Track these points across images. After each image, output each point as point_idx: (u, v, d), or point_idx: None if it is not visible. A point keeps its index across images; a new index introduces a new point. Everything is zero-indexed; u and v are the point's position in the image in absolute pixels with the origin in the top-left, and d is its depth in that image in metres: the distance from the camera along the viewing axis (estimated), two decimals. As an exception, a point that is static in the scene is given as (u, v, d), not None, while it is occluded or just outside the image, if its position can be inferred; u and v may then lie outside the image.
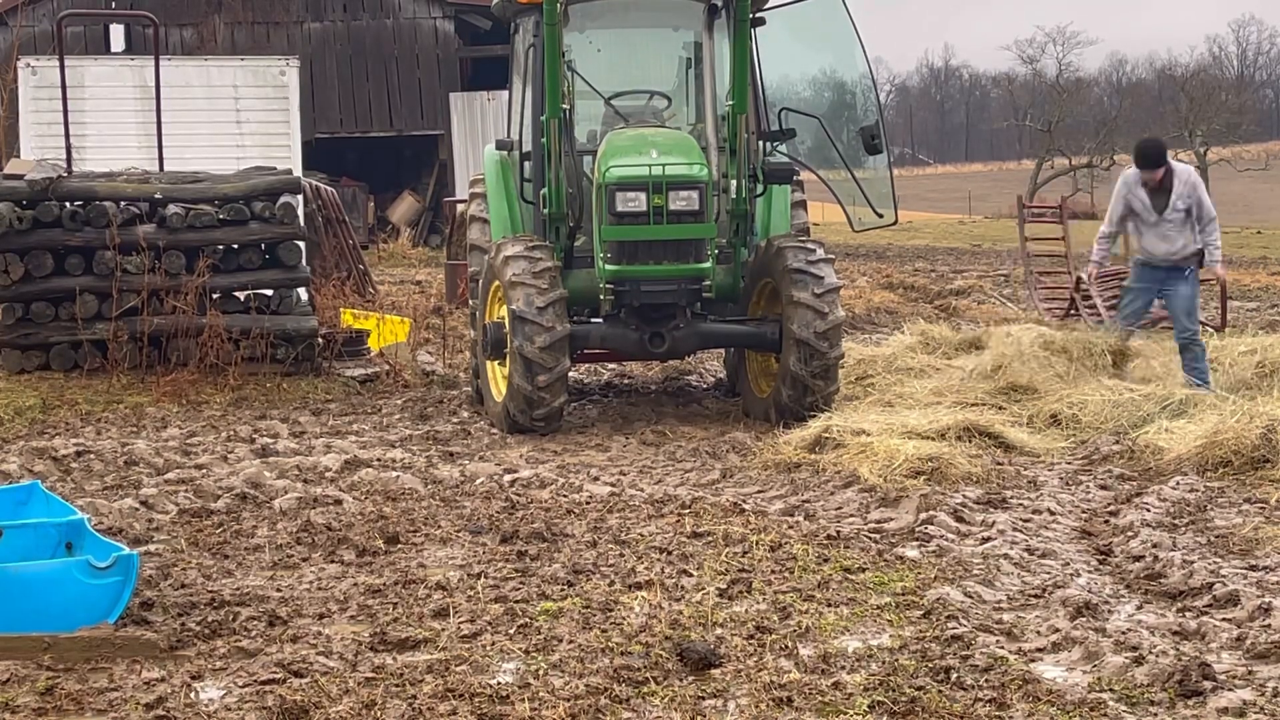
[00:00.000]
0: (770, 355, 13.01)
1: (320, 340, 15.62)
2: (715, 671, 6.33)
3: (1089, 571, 8.11)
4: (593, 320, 13.04)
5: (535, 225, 13.36)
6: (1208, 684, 6.02)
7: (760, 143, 13.30)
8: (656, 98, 13.76)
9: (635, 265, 12.35)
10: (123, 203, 15.02)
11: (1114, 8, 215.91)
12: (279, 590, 7.69)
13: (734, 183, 12.67)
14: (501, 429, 12.55)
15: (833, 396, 12.56)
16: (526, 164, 13.52)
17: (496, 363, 12.97)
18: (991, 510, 9.46)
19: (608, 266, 12.38)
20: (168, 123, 17.97)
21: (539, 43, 12.86)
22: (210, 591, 7.60)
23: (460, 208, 27.40)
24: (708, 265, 12.44)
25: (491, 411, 12.98)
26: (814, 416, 11.84)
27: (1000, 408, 12.54)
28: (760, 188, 13.20)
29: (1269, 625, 6.84)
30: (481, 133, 42.08)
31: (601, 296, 12.53)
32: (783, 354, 12.45)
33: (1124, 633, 6.74)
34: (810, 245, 12.62)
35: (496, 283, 12.77)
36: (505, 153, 13.94)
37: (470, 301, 14.06)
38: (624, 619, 7.06)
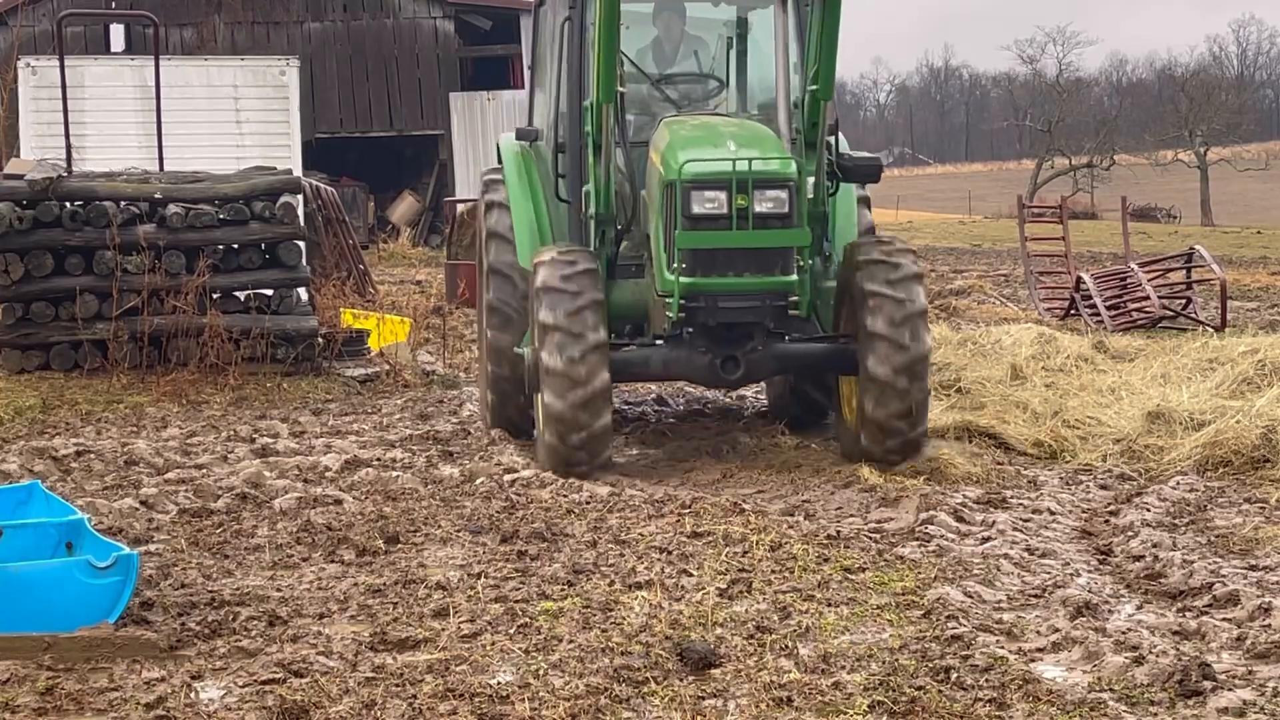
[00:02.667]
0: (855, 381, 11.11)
1: (320, 340, 15.61)
2: (715, 671, 6.34)
3: (1089, 571, 8.12)
4: (641, 341, 11.20)
5: (571, 228, 11.75)
6: (1208, 684, 6.03)
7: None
8: (706, 82, 12.22)
9: (712, 277, 10.48)
10: (123, 203, 15.01)
11: (1114, 8, 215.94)
12: (279, 590, 7.69)
13: (810, 180, 10.91)
14: (544, 468, 10.75)
15: (921, 441, 10.80)
16: (561, 157, 11.83)
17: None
18: (991, 510, 9.47)
19: (682, 279, 10.45)
20: (168, 123, 17.97)
21: (576, 15, 11.58)
22: (210, 591, 7.60)
23: (461, 208, 27.41)
24: (794, 278, 10.57)
25: (539, 450, 11.06)
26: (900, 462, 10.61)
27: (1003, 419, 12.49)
28: (833, 186, 11.39)
29: (1269, 625, 6.85)
30: (482, 132, 42.12)
31: (667, 313, 10.62)
32: (859, 392, 10.71)
33: (1124, 633, 6.75)
34: (895, 259, 10.75)
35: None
36: (527, 144, 12.20)
37: (486, 297, 12.13)
38: (624, 619, 7.06)
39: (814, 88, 10.62)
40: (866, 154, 11.71)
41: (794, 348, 11.07)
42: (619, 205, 11.18)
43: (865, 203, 12.32)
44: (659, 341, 10.99)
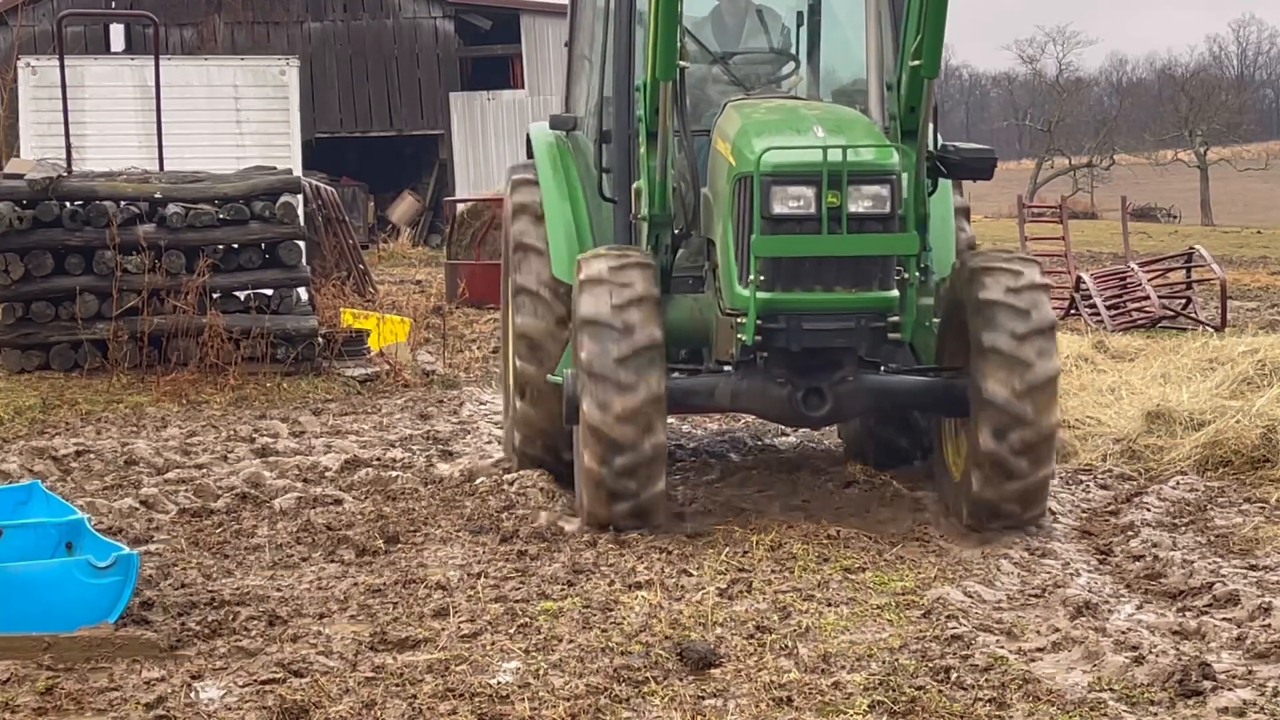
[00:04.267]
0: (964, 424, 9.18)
1: (320, 340, 15.61)
2: (715, 671, 6.34)
3: (1089, 571, 8.12)
4: (704, 368, 9.34)
5: (617, 233, 9.92)
6: (1208, 684, 6.03)
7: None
8: (776, 61, 10.44)
9: (795, 292, 8.63)
10: (123, 202, 15.02)
11: (1114, 8, 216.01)
12: (279, 590, 7.69)
13: (907, 176, 8.94)
14: (582, 521, 8.98)
15: (1044, 487, 8.85)
16: (605, 149, 10.00)
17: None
18: (991, 510, 9.45)
19: (759, 293, 8.60)
20: (168, 123, 17.96)
21: None
22: (210, 591, 7.61)
23: (461, 208, 27.43)
24: (895, 294, 8.71)
25: (578, 489, 9.24)
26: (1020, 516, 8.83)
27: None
28: (932, 185, 9.47)
29: (1269, 625, 6.85)
30: (481, 133, 42.11)
31: (738, 335, 8.82)
32: (971, 422, 8.84)
33: (1124, 633, 6.75)
34: (1017, 265, 8.97)
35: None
36: (564, 134, 10.52)
37: (513, 321, 10.27)
38: (624, 619, 7.06)
39: (916, 63, 8.84)
40: (976, 145, 9.86)
41: (892, 381, 9.18)
42: (676, 205, 9.48)
43: (964, 214, 10.40)
44: (726, 368, 9.19)
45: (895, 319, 8.73)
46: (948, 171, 9.57)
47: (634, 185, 9.60)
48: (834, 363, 8.89)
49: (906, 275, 8.81)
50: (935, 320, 9.32)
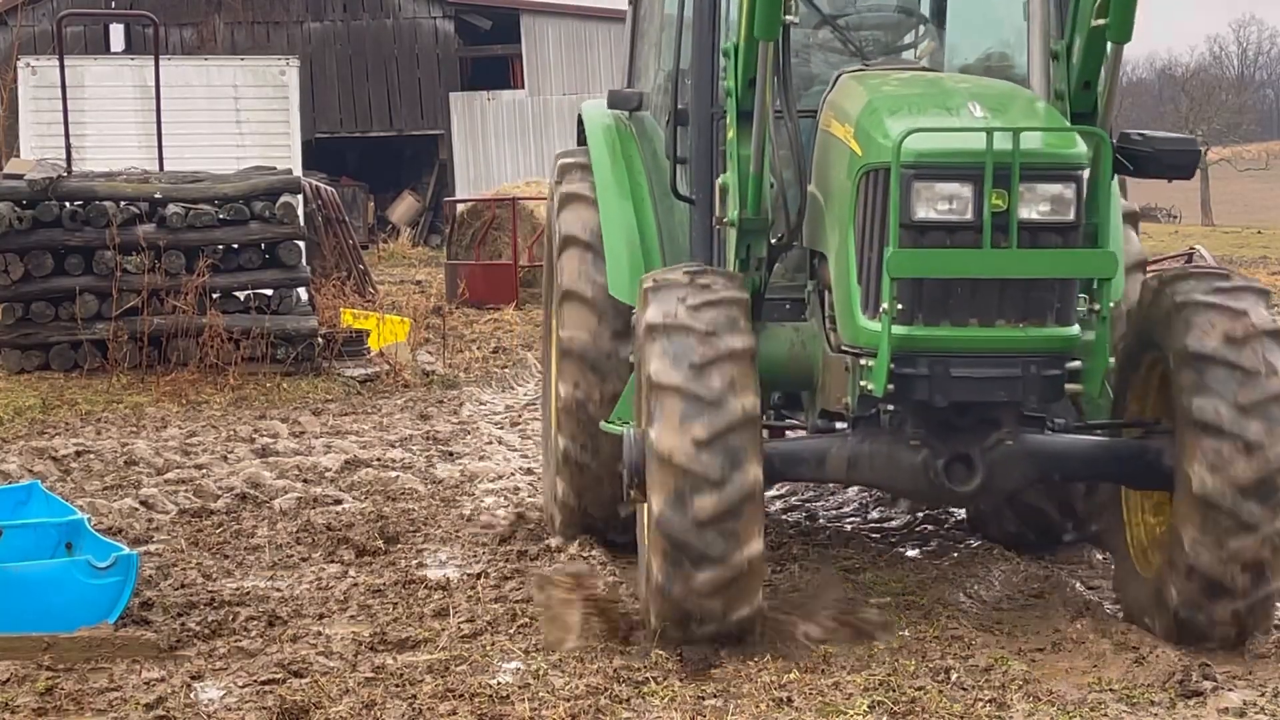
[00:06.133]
0: (1162, 499, 7.00)
1: (320, 340, 15.62)
2: (715, 671, 6.33)
3: (1089, 571, 8.11)
4: (811, 424, 7.39)
5: (695, 241, 7.82)
6: (1208, 684, 6.03)
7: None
8: (901, 23, 8.37)
9: (943, 326, 6.49)
10: (123, 203, 15.02)
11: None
12: (279, 590, 7.69)
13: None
14: (646, 623, 6.75)
15: (1270, 605, 6.66)
16: (680, 133, 7.87)
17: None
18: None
19: (894, 327, 6.44)
20: (168, 123, 17.96)
21: None
22: (210, 591, 7.61)
23: (461, 208, 27.40)
24: (1077, 331, 6.57)
25: (642, 593, 6.90)
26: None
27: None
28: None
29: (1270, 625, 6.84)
30: (481, 133, 42.12)
31: (862, 382, 6.66)
32: (1173, 519, 6.64)
33: (1124, 633, 6.75)
34: (1237, 300, 6.63)
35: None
36: (625, 114, 8.54)
37: (558, 336, 8.22)
38: (624, 619, 7.05)
39: (1100, 22, 6.61)
40: (1170, 133, 7.70)
41: (1062, 443, 6.93)
42: (775, 206, 7.28)
43: (1132, 222, 8.08)
44: (840, 425, 7.12)
45: (1076, 364, 6.61)
46: (1135, 168, 7.41)
47: (718, 180, 7.49)
48: (989, 421, 6.71)
49: (1097, 307, 6.63)
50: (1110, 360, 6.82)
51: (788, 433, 7.86)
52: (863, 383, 6.63)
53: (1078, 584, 7.71)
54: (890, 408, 6.70)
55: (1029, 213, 6.41)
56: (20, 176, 15.26)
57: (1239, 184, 78.46)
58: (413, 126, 42.95)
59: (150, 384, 14.39)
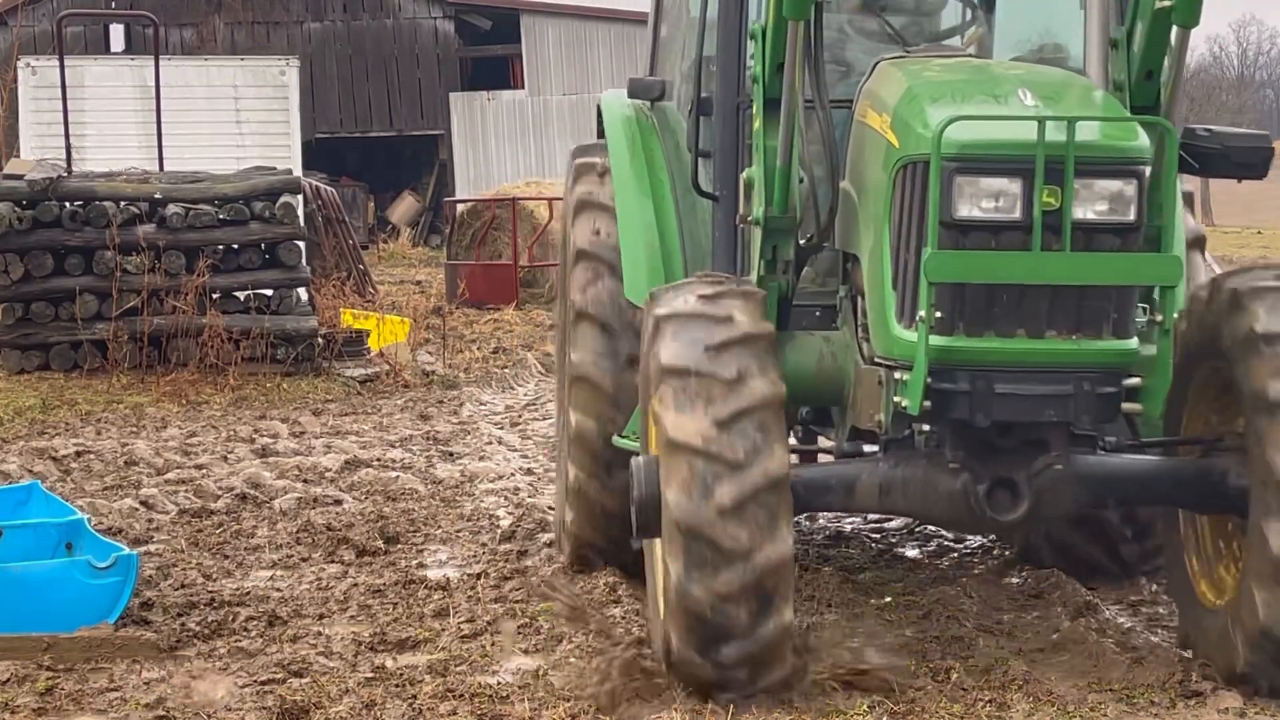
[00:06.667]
0: (1229, 524, 6.39)
1: (320, 340, 15.62)
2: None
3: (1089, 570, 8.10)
4: (840, 446, 6.86)
5: (718, 242, 7.31)
6: (1208, 684, 6.03)
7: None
8: (941, 9, 7.93)
9: (988, 338, 5.94)
10: (123, 203, 15.02)
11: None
12: (279, 590, 7.69)
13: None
14: (662, 661, 6.13)
15: None
16: (703, 123, 7.34)
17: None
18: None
19: (933, 338, 5.90)
20: (168, 123, 17.97)
21: None
22: (210, 591, 7.61)
23: (461, 208, 27.38)
24: (1135, 344, 6.03)
25: (654, 630, 6.33)
26: None
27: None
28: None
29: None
30: (481, 133, 42.12)
31: (896, 399, 6.09)
32: (1246, 563, 6.00)
33: (1124, 633, 6.75)
34: None
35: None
36: (647, 104, 7.98)
37: (569, 356, 7.74)
38: (624, 619, 7.05)
39: (1165, 5, 6.03)
40: (1240, 129, 7.30)
41: (1116, 465, 6.34)
42: (804, 203, 6.73)
43: (1199, 247, 7.52)
44: (871, 448, 6.64)
45: (1134, 381, 6.06)
46: (1201, 166, 6.89)
47: (743, 174, 6.88)
48: (1036, 443, 6.12)
49: (1159, 318, 6.13)
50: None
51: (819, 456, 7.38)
52: (897, 399, 6.05)
53: (1078, 584, 7.70)
54: (926, 427, 6.13)
55: (1084, 212, 5.85)
56: (20, 176, 15.26)
57: (1239, 184, 78.41)
58: (413, 126, 42.95)
59: (150, 384, 14.40)
